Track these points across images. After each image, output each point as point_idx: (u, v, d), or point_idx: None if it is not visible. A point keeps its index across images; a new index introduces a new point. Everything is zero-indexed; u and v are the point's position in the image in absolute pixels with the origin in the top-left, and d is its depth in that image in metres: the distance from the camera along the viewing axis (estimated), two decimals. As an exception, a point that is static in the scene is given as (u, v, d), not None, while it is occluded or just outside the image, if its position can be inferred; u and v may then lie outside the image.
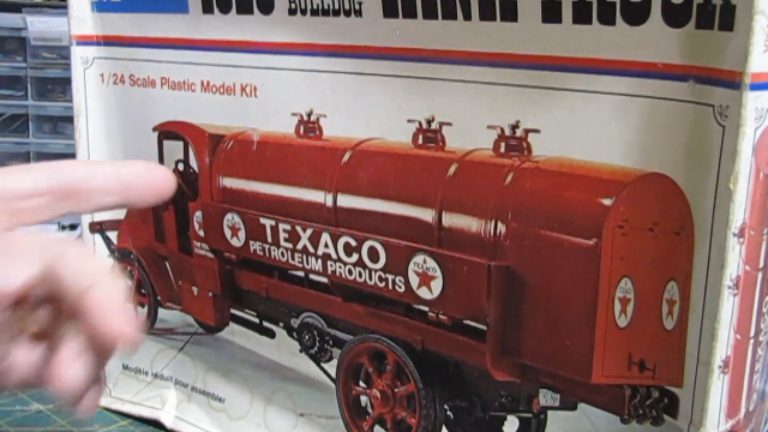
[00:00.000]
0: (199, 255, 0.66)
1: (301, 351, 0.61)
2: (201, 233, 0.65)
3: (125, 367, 0.73)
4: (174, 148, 0.66)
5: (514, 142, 0.47)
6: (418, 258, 0.52)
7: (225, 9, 0.58)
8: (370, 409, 0.58)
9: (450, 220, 0.50)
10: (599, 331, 0.45)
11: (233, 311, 0.66)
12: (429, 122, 0.51)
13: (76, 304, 0.33)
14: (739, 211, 0.40)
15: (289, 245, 0.59)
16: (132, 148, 0.68)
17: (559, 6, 0.43)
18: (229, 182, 0.62)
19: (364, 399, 0.58)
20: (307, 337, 0.61)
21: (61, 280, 0.33)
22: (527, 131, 0.47)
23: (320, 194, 0.56)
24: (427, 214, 0.51)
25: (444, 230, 0.50)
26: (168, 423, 0.70)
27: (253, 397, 0.65)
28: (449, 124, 0.50)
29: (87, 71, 0.67)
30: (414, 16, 0.49)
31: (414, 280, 0.52)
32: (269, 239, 0.60)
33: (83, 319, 0.33)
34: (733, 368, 0.43)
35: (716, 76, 0.39)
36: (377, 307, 0.56)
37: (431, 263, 0.51)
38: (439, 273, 0.51)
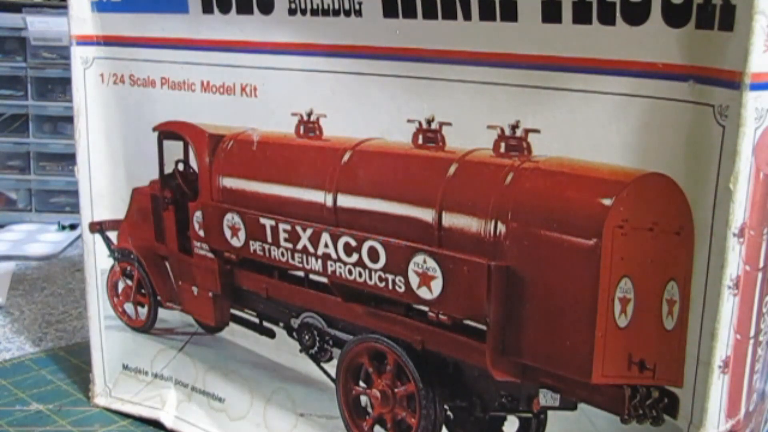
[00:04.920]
0: (199, 255, 0.66)
1: (301, 351, 0.61)
2: (201, 233, 0.65)
3: (125, 367, 0.73)
4: (174, 148, 0.66)
5: (514, 142, 0.47)
6: (418, 258, 0.52)
7: (225, 9, 0.58)
8: (370, 409, 0.58)
9: (450, 220, 0.50)
10: (599, 331, 0.45)
11: (233, 311, 0.66)
12: (429, 122, 0.51)
13: None
14: (739, 211, 0.40)
15: (289, 245, 0.59)
16: (132, 148, 0.68)
17: (559, 6, 0.43)
18: (229, 182, 0.62)
19: (364, 399, 0.58)
20: (307, 337, 0.61)
21: None
22: (527, 131, 0.47)
23: (320, 194, 0.56)
24: (427, 214, 0.51)
25: (444, 230, 0.50)
26: (168, 423, 0.70)
27: (253, 397, 0.65)
28: (449, 124, 0.50)
29: (87, 71, 0.67)
30: (414, 16, 0.49)
31: (414, 280, 0.52)
32: (269, 239, 0.60)
33: None
34: (733, 368, 0.43)
35: (716, 76, 0.39)
36: (377, 307, 0.56)
37: (431, 263, 0.51)
38: (439, 273, 0.51)
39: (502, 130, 0.48)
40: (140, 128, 0.66)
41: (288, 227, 0.58)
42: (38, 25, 1.28)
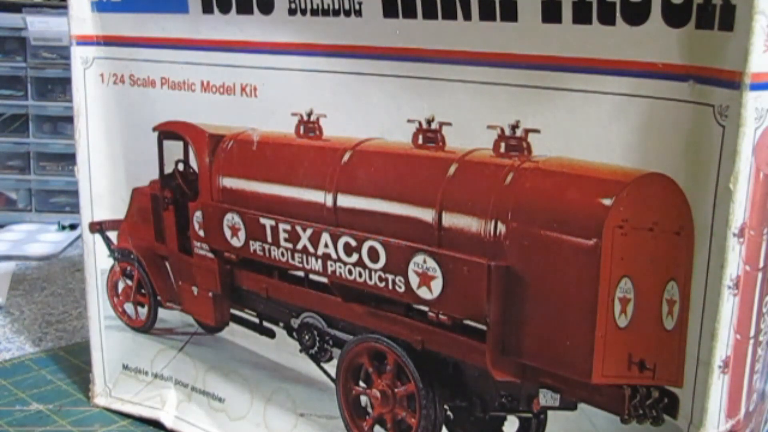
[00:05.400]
0: (199, 255, 0.66)
1: (301, 351, 0.61)
2: (201, 233, 0.65)
3: (125, 367, 0.73)
4: (174, 148, 0.66)
5: (514, 142, 0.47)
6: (418, 258, 0.52)
7: (225, 9, 0.58)
8: (370, 409, 0.58)
9: (450, 220, 0.50)
10: (599, 331, 0.45)
11: (233, 311, 0.66)
12: (429, 122, 0.51)
13: None
14: (739, 211, 0.40)
15: (289, 245, 0.59)
16: (132, 148, 0.68)
17: (559, 6, 0.43)
18: (229, 182, 0.62)
19: (364, 399, 0.58)
20: (307, 337, 0.61)
21: None
22: (527, 131, 0.47)
23: (320, 194, 0.56)
24: (427, 214, 0.51)
25: (444, 230, 0.50)
26: (168, 423, 0.70)
27: (253, 397, 0.65)
28: (449, 124, 0.50)
29: (87, 71, 0.67)
30: (414, 16, 0.49)
31: (414, 280, 0.52)
32: (269, 239, 0.60)
33: None
34: (733, 368, 0.43)
35: (716, 76, 0.39)
36: (377, 307, 0.56)
37: (431, 263, 0.51)
38: (439, 273, 0.51)
39: (502, 130, 0.48)
40: (140, 128, 0.66)
41: (288, 227, 0.58)
42: (38, 25, 1.28)
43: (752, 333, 0.44)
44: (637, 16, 0.41)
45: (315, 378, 0.61)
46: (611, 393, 0.46)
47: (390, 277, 0.53)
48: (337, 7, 0.52)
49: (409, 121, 0.51)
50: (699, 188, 0.41)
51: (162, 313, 0.71)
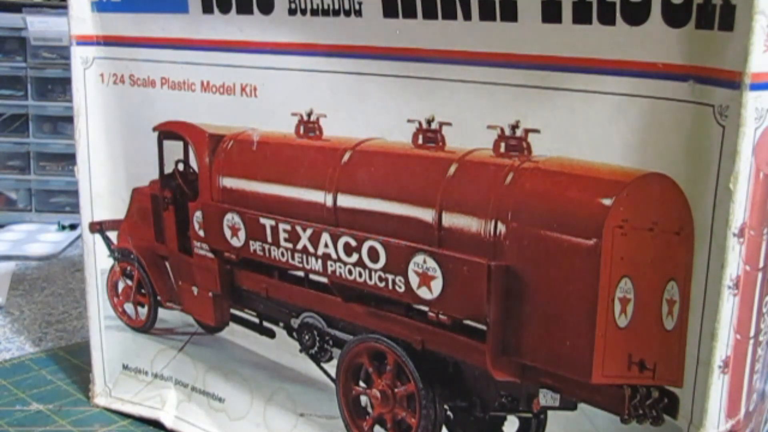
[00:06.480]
0: (199, 255, 0.66)
1: (301, 351, 0.61)
2: (201, 233, 0.65)
3: (125, 367, 0.73)
4: (174, 148, 0.66)
5: (514, 142, 0.47)
6: (418, 258, 0.52)
7: (225, 9, 0.58)
8: (370, 409, 0.58)
9: (450, 220, 0.50)
10: (599, 331, 0.45)
11: (233, 311, 0.66)
12: (429, 122, 0.51)
13: None
14: (739, 211, 0.40)
15: (289, 245, 0.59)
16: (132, 148, 0.68)
17: (559, 6, 0.43)
18: (229, 182, 0.62)
19: (364, 399, 0.58)
20: (307, 337, 0.61)
21: None
22: (527, 131, 0.47)
23: (320, 194, 0.56)
24: (427, 214, 0.51)
25: (444, 230, 0.50)
26: (168, 423, 0.70)
27: (253, 397, 0.65)
28: (449, 124, 0.50)
29: (87, 71, 0.67)
30: (414, 16, 0.49)
31: (414, 280, 0.52)
32: (269, 239, 0.60)
33: None
34: (733, 368, 0.43)
35: (716, 76, 0.39)
36: (377, 307, 0.56)
37: (431, 263, 0.51)
38: (439, 273, 0.51)
39: (502, 130, 0.48)
40: (140, 128, 0.66)
41: (288, 227, 0.58)
42: (38, 25, 1.28)
43: (752, 333, 0.44)
44: (637, 16, 0.41)
45: (315, 378, 0.61)
46: (611, 393, 0.46)
47: (390, 277, 0.53)
48: (337, 7, 0.52)
49: (409, 121, 0.51)
50: (699, 188, 0.41)
51: (162, 313, 0.71)
